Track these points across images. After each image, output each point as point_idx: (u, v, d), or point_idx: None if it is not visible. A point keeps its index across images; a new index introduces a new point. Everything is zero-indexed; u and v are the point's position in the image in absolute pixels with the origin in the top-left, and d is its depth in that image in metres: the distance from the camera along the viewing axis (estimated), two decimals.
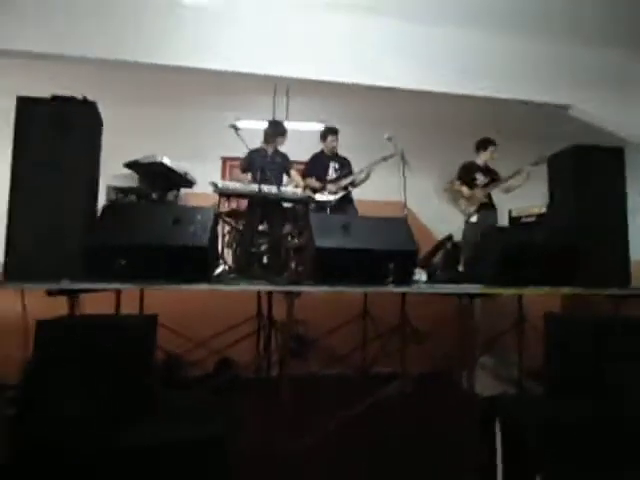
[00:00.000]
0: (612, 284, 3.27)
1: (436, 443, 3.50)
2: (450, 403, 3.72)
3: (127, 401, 2.49)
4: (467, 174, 4.75)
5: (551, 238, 3.54)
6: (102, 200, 3.61)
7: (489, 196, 4.73)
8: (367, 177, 4.63)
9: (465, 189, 4.70)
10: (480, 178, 4.71)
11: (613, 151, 3.48)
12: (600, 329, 2.75)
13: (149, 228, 2.82)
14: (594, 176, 3.38)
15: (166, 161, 3.27)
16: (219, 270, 3.75)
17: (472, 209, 4.66)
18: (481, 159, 4.77)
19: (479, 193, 4.66)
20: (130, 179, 3.83)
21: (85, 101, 2.71)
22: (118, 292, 3.77)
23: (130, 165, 3.33)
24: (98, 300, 3.12)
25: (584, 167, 3.40)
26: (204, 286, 2.79)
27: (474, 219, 4.65)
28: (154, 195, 3.43)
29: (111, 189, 3.62)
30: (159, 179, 3.42)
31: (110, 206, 3.13)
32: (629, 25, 4.34)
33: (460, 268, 4.47)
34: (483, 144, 4.78)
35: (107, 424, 2.36)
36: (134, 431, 2.40)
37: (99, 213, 3.00)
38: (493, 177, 4.71)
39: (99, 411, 2.39)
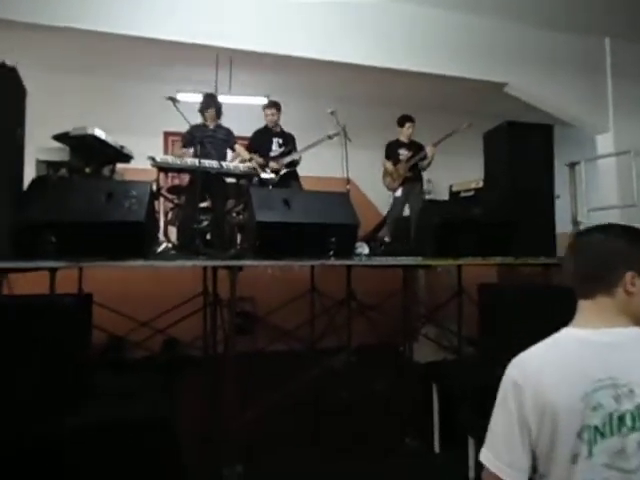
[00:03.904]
0: (540, 254, 3.47)
1: (379, 410, 3.63)
2: (393, 372, 3.85)
3: (61, 384, 2.41)
4: (392, 151, 4.86)
5: (487, 212, 3.69)
6: (32, 174, 3.39)
7: (414, 169, 4.80)
8: (300, 158, 4.54)
9: (389, 165, 4.80)
10: (404, 153, 4.81)
11: (543, 128, 3.65)
12: (526, 296, 2.92)
13: (80, 203, 2.68)
14: (525, 152, 3.54)
15: (98, 133, 3.09)
16: (161, 248, 3.65)
17: (396, 184, 4.75)
18: (403, 135, 4.88)
19: (402, 168, 4.76)
20: (63, 152, 3.62)
21: (3, 66, 2.51)
22: (53, 272, 3.60)
23: (59, 137, 3.13)
24: (32, 281, 2.97)
25: (516, 143, 3.55)
26: (140, 262, 2.72)
27: (398, 193, 4.75)
28: (87, 169, 3.26)
29: (41, 163, 3.40)
30: (91, 153, 3.24)
31: (37, 181, 2.95)
32: (562, 9, 4.50)
33: (386, 239, 4.56)
34: (400, 121, 4.89)
35: (40, 409, 2.28)
36: (71, 414, 2.33)
37: (25, 188, 2.83)
38: (418, 150, 4.79)
39: (31, 396, 2.30)
